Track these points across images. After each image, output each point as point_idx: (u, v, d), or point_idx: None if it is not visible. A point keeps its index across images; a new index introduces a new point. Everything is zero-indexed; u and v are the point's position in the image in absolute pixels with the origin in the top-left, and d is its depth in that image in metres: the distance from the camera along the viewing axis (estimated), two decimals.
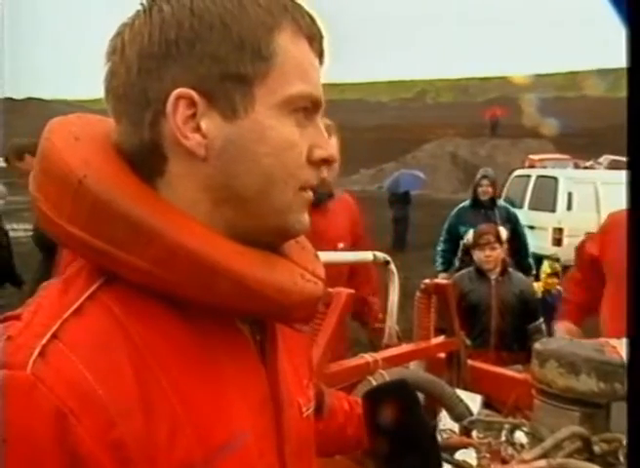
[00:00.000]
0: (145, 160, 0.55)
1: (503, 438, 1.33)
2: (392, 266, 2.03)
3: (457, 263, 4.22)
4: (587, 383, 1.19)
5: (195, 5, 0.52)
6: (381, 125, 37.14)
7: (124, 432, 0.47)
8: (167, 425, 0.50)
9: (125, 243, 0.50)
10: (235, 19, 0.52)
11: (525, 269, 3.95)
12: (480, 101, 50.38)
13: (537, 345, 1.30)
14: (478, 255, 2.90)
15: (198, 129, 0.53)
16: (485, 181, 4.32)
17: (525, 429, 1.31)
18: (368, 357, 1.65)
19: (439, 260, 4.39)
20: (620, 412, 1.24)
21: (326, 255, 2.03)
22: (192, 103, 0.52)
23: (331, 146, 0.60)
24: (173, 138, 0.53)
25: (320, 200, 2.10)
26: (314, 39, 0.57)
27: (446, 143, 28.03)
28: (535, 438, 1.26)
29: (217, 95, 0.53)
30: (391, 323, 2.01)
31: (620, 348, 1.22)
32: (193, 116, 0.53)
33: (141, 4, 0.55)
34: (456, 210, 4.44)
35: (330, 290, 1.61)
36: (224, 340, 0.57)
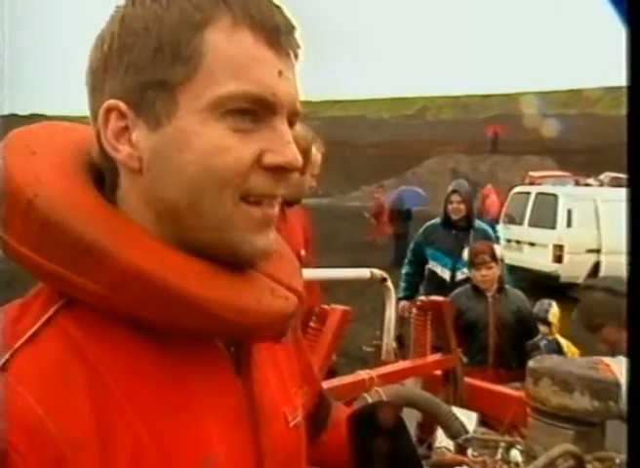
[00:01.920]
0: (106, 174, 0.54)
1: (499, 456, 1.33)
2: (389, 283, 2.03)
3: (422, 291, 3.62)
4: (581, 401, 1.19)
5: (126, 13, 0.51)
6: (383, 141, 37.28)
7: (75, 466, 0.45)
8: (129, 452, 0.47)
9: (77, 265, 0.48)
10: (157, 22, 0.49)
11: None
12: (481, 118, 50.62)
13: (530, 363, 1.30)
14: (474, 275, 2.90)
15: (131, 141, 0.51)
16: (456, 197, 3.56)
17: (520, 447, 1.31)
18: (364, 374, 1.64)
19: (402, 285, 3.73)
20: (614, 431, 1.24)
21: (323, 272, 2.04)
22: (122, 115, 0.51)
23: (290, 151, 0.52)
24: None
25: (283, 209, 2.01)
26: (264, 30, 0.50)
27: (447, 160, 28.12)
28: (529, 456, 1.26)
29: (141, 104, 0.50)
30: (388, 339, 2.01)
31: (614, 366, 1.22)
32: (127, 128, 0.51)
33: None
34: (423, 227, 3.76)
35: (325, 307, 1.62)
36: (193, 355, 0.54)
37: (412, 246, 3.78)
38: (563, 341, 3.62)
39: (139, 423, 0.48)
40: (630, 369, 0.50)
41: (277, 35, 0.51)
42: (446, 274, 3.51)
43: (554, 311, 3.61)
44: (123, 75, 0.50)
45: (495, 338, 2.79)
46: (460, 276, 3.46)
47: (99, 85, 0.52)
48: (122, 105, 0.51)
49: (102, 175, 0.55)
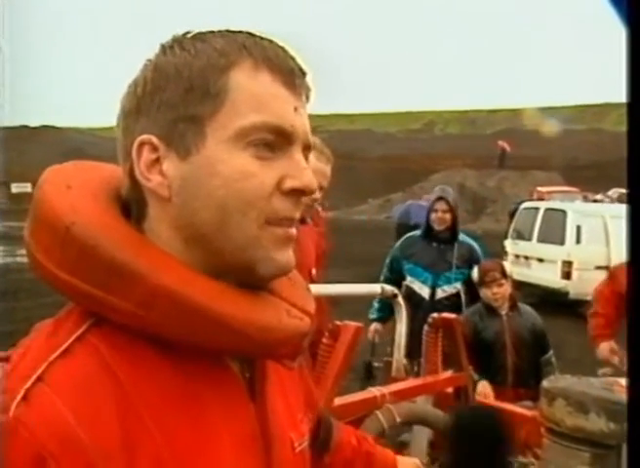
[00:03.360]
0: (134, 206, 0.59)
1: None
2: (400, 299, 2.03)
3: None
4: (597, 423, 1.18)
5: (158, 60, 0.57)
6: (390, 155, 37.39)
7: None
8: (150, 465, 0.50)
9: (110, 286, 0.52)
10: (187, 66, 0.55)
11: None
12: (488, 133, 50.67)
13: (544, 383, 1.29)
14: (485, 293, 2.82)
15: (162, 171, 0.56)
16: (442, 205, 3.11)
17: None
18: (375, 391, 1.64)
19: (375, 305, 3.28)
20: None
21: (334, 288, 2.05)
22: (154, 148, 0.55)
23: (306, 176, 0.57)
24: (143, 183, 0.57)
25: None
26: (281, 72, 0.57)
27: (454, 174, 28.16)
28: None
29: (172, 137, 0.55)
30: (399, 356, 2.01)
31: None
32: (158, 160, 0.56)
33: None
34: (402, 240, 3.34)
35: (338, 323, 1.62)
36: (212, 379, 0.57)
37: (388, 260, 3.33)
38: None
39: (160, 439, 0.51)
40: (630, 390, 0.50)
41: (292, 77, 0.57)
42: (425, 291, 3.14)
43: None
44: (155, 113, 0.55)
45: (513, 358, 2.72)
46: (440, 294, 3.14)
47: (131, 125, 0.57)
48: (154, 139, 0.56)
49: (129, 209, 0.59)
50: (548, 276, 8.25)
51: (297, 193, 0.57)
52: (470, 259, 3.14)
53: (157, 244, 0.56)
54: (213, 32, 0.58)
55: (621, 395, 1.20)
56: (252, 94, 0.55)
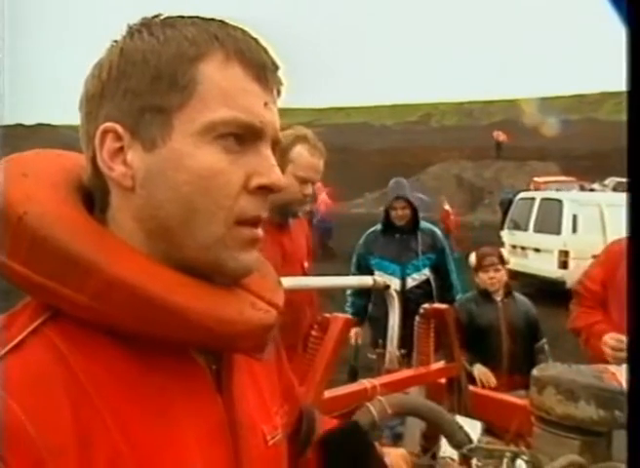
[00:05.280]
0: (97, 194, 0.57)
1: (504, 466, 1.30)
2: (392, 291, 2.02)
3: (370, 308, 3.25)
4: (586, 410, 1.17)
5: (125, 45, 0.55)
6: (386, 148, 37.33)
7: None
8: (106, 461, 0.49)
9: (64, 277, 0.50)
10: (155, 54, 0.53)
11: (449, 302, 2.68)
12: (485, 124, 50.66)
13: (534, 371, 1.29)
14: (482, 278, 2.86)
15: (126, 161, 0.54)
16: (400, 203, 3.18)
17: (525, 457, 1.29)
18: (366, 383, 1.63)
19: (347, 309, 3.31)
20: (622, 441, 1.22)
21: (326, 280, 2.03)
22: (118, 137, 0.54)
23: (274, 173, 0.56)
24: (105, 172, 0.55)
25: (287, 221, 1.99)
26: (253, 66, 0.55)
27: (451, 166, 28.14)
28: (535, 466, 1.24)
29: (138, 127, 0.54)
30: (391, 348, 2.00)
31: (620, 375, 1.20)
32: (122, 149, 0.54)
33: None
34: (364, 236, 3.38)
35: (327, 315, 1.61)
36: (175, 371, 0.56)
37: (354, 259, 3.38)
38: None
39: (117, 434, 0.50)
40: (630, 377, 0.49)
41: (264, 72, 0.56)
42: (395, 283, 3.06)
43: None
44: (120, 100, 0.54)
45: (508, 343, 2.78)
46: (410, 282, 3.17)
47: (94, 110, 0.55)
48: (118, 128, 0.54)
49: (92, 198, 0.58)
50: (545, 266, 8.27)
51: (264, 191, 0.56)
52: (433, 245, 3.22)
53: (119, 235, 0.55)
54: (183, 18, 0.56)
55: (611, 382, 1.19)
56: (221, 87, 0.54)
